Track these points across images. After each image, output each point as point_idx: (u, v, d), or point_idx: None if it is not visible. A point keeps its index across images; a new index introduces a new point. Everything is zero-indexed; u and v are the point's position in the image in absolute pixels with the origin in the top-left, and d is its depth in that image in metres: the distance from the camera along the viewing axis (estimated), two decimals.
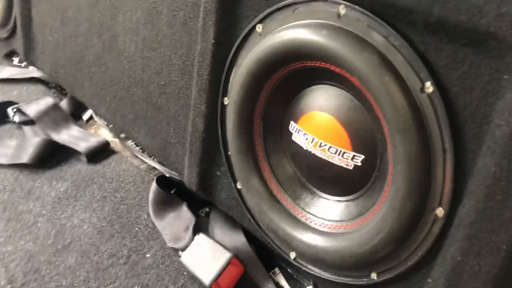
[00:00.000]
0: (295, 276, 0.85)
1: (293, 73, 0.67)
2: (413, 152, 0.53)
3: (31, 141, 1.14)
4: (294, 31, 0.62)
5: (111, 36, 1.00)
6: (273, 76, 0.68)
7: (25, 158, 1.10)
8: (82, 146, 1.14)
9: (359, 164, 0.62)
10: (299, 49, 0.62)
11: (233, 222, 0.89)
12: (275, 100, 0.71)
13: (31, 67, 1.48)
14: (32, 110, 1.23)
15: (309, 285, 0.83)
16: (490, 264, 0.50)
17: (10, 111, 1.25)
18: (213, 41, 0.74)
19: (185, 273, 0.85)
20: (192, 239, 0.87)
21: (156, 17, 0.87)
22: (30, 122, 1.23)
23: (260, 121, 0.74)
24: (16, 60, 1.55)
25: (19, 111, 1.24)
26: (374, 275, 0.63)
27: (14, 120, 1.23)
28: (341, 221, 0.67)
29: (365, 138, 0.61)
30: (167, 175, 1.04)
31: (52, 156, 1.13)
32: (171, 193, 0.99)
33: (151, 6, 0.87)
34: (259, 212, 0.74)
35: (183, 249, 0.87)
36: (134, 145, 1.17)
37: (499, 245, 0.49)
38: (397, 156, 0.54)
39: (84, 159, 1.13)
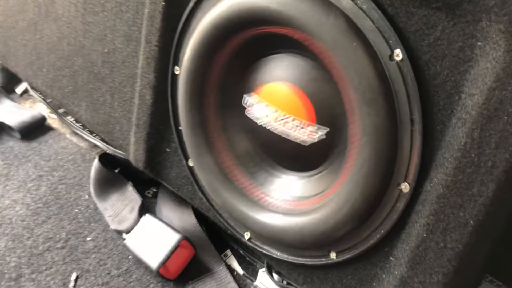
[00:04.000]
0: (247, 258, 0.82)
1: (251, 40, 0.62)
2: (380, 123, 0.50)
3: None
4: None
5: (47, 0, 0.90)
6: (229, 43, 0.63)
7: None
8: (15, 121, 1.04)
9: (323, 137, 0.58)
10: (258, 13, 0.56)
11: (182, 202, 0.84)
12: (231, 69, 0.66)
13: None
14: None
15: (262, 266, 0.80)
16: (456, 240, 0.48)
17: None
18: (163, 3, 0.68)
19: (129, 257, 0.79)
20: (138, 220, 0.81)
21: None
22: None
23: (214, 93, 0.68)
24: None
25: None
26: (333, 255, 0.60)
27: None
28: (300, 198, 0.63)
29: (330, 110, 0.58)
30: (111, 153, 0.96)
31: None
32: (115, 172, 0.92)
33: None
34: (213, 191, 0.69)
35: (127, 232, 0.81)
36: (74, 122, 1.08)
37: (466, 221, 0.47)
38: (363, 128, 0.51)
39: (17, 135, 1.03)
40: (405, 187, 0.52)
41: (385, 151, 0.51)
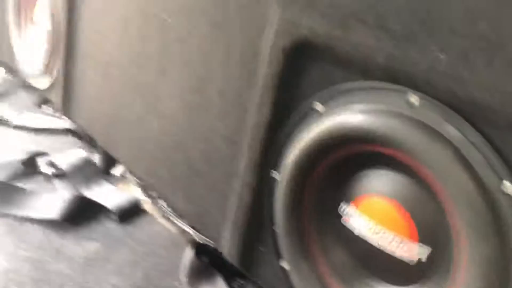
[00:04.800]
0: None
1: (354, 155, 0.65)
2: (490, 255, 0.50)
3: (62, 196, 1.12)
4: (360, 116, 0.60)
5: (154, 98, 1.00)
6: (331, 156, 0.67)
7: (54, 213, 1.07)
8: (113, 204, 1.12)
9: (425, 258, 0.59)
10: (365, 134, 0.60)
11: None
12: (332, 179, 0.69)
13: (63, 117, 1.49)
14: (63, 162, 1.22)
15: None
16: None
17: (41, 162, 1.24)
18: (268, 116, 0.73)
19: None
20: None
21: (206, 85, 0.87)
22: (61, 174, 1.21)
23: (312, 200, 0.71)
24: (47, 109, 1.56)
25: (50, 162, 1.23)
26: None
27: (44, 171, 1.22)
28: None
29: (433, 231, 0.59)
30: (202, 242, 1.01)
31: (82, 212, 1.11)
32: (206, 262, 0.95)
33: (202, 74, 0.87)
34: None
35: None
36: (166, 206, 1.15)
37: None
38: (472, 258, 0.52)
39: (114, 217, 1.10)
40: None
41: (495, 283, 0.51)
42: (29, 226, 1.06)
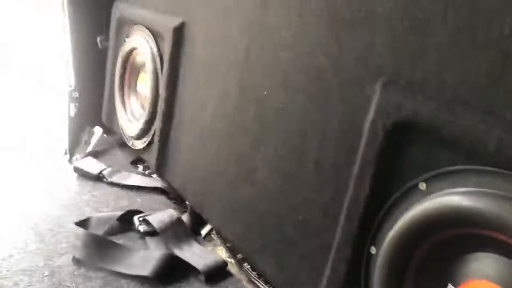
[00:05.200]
0: None
1: (460, 237, 0.65)
2: None
3: (154, 254, 1.18)
4: (469, 198, 0.61)
5: (249, 166, 1.05)
6: (435, 236, 0.67)
7: (147, 270, 1.13)
8: (201, 264, 1.16)
9: None
10: (473, 217, 0.60)
11: None
12: (432, 260, 0.69)
13: (154, 176, 1.59)
14: (156, 221, 1.29)
15: None
16: None
17: (136, 220, 1.31)
18: (368, 191, 0.75)
19: None
20: None
21: (302, 156, 0.91)
22: (153, 232, 1.28)
23: (411, 278, 0.71)
24: (140, 168, 1.67)
25: (144, 221, 1.30)
26: None
27: (138, 229, 1.29)
28: None
29: None
30: None
31: (172, 271, 1.15)
32: None
33: (298, 146, 0.92)
34: None
35: None
36: (250, 269, 1.17)
37: None
38: None
39: (202, 278, 1.14)
40: None
41: None
42: (123, 281, 1.12)
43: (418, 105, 0.69)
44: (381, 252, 0.73)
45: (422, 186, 0.69)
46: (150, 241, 1.26)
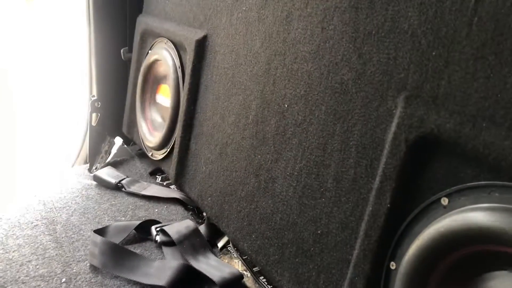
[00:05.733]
0: None
1: (480, 255, 0.64)
2: None
3: (170, 264, 1.18)
4: (491, 215, 0.60)
5: (268, 178, 1.05)
6: (455, 254, 0.66)
7: (163, 280, 1.13)
8: (217, 276, 1.15)
9: None
10: (494, 234, 0.59)
11: None
12: (452, 277, 0.68)
13: (172, 187, 1.60)
14: (174, 231, 1.29)
15: None
16: None
17: (153, 230, 1.32)
18: (388, 206, 0.75)
19: None
20: None
21: (322, 170, 0.91)
22: (170, 243, 1.28)
23: None
24: (159, 179, 1.68)
25: (162, 231, 1.31)
26: None
27: (156, 239, 1.30)
28: None
29: None
30: None
31: (187, 282, 1.15)
32: None
33: (318, 159, 0.92)
34: None
35: None
36: (266, 283, 1.16)
37: None
38: None
39: None
40: None
41: None
42: None
43: (441, 120, 0.68)
44: (401, 267, 0.72)
45: (444, 201, 0.68)
46: (167, 251, 1.27)
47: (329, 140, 0.90)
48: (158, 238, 1.30)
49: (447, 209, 0.68)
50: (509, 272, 0.63)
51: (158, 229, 1.32)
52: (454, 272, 0.67)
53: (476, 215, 0.62)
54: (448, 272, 0.68)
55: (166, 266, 1.18)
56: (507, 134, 0.61)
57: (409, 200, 0.73)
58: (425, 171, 0.72)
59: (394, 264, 0.75)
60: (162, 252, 1.27)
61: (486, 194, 0.63)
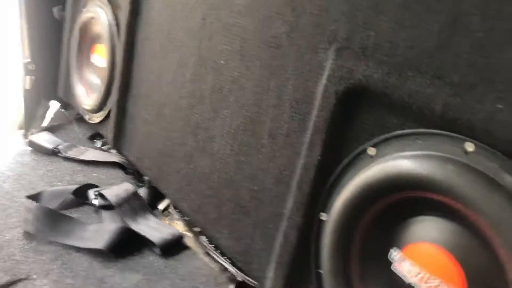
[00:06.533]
0: None
1: (404, 200, 0.66)
2: None
3: (108, 227, 1.15)
4: (414, 162, 0.61)
5: (206, 137, 1.03)
6: (381, 200, 0.67)
7: (100, 243, 1.10)
8: (156, 237, 1.14)
9: None
10: (418, 180, 0.61)
11: None
12: (379, 224, 0.70)
13: (112, 151, 1.55)
14: (112, 195, 1.26)
15: None
16: None
17: (91, 193, 1.28)
18: (319, 158, 0.75)
19: None
20: None
21: (258, 126, 0.90)
22: (109, 206, 1.25)
23: (359, 243, 0.71)
24: (99, 143, 1.63)
25: (100, 194, 1.27)
26: None
27: (93, 203, 1.26)
28: None
29: (484, 282, 0.58)
30: (240, 279, 1.01)
31: (126, 244, 1.13)
32: None
33: (253, 116, 0.91)
34: None
35: None
36: (208, 242, 1.16)
37: None
38: None
39: (157, 251, 1.12)
40: None
41: None
42: (75, 255, 1.09)
43: (369, 70, 0.69)
44: (330, 218, 0.73)
45: (371, 151, 0.69)
46: (105, 215, 1.23)
47: (264, 96, 0.89)
48: (95, 202, 1.26)
49: (373, 159, 0.69)
50: (434, 217, 0.65)
51: (96, 193, 1.28)
52: (380, 220, 0.69)
53: (400, 163, 0.63)
54: (374, 220, 0.69)
55: (103, 229, 1.15)
56: (431, 83, 0.61)
57: (339, 152, 0.74)
58: (354, 122, 0.72)
59: (324, 215, 0.76)
60: (101, 216, 1.24)
61: (411, 142, 0.65)
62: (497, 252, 0.55)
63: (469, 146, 0.58)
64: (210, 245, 1.15)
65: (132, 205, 1.24)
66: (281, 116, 0.85)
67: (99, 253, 1.09)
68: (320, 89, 0.75)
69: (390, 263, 0.68)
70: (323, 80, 0.75)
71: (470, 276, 0.59)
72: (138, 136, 1.30)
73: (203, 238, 1.17)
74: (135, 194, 1.27)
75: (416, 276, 0.64)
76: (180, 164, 1.12)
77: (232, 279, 1.03)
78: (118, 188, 1.29)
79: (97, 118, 1.51)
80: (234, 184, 0.96)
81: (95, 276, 1.03)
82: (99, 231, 1.14)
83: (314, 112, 0.76)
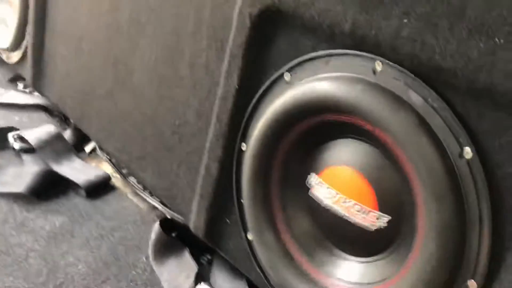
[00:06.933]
0: None
1: (319, 125, 0.65)
2: (448, 220, 0.51)
3: (29, 170, 1.10)
4: (326, 84, 0.60)
5: (126, 72, 0.98)
6: (297, 126, 0.66)
7: (21, 187, 1.05)
8: (81, 179, 1.10)
9: (385, 225, 0.59)
10: (330, 103, 0.60)
11: (237, 273, 0.85)
12: (297, 150, 0.69)
13: (35, 94, 1.46)
14: (33, 137, 1.19)
15: None
16: None
17: (10, 137, 1.21)
18: (236, 86, 0.73)
19: None
20: None
21: (176, 57, 0.86)
22: (30, 150, 1.19)
23: (278, 170, 0.71)
24: (20, 86, 1.53)
25: (19, 137, 1.20)
26: None
27: (13, 146, 1.19)
28: (360, 284, 0.63)
29: (393, 198, 0.59)
30: (169, 217, 1.00)
31: (50, 187, 1.09)
32: (173, 237, 0.95)
33: (172, 46, 0.86)
34: (271, 268, 0.70)
35: None
36: (136, 182, 1.13)
37: None
38: (430, 223, 0.52)
39: (83, 193, 1.08)
40: (472, 285, 0.51)
41: (452, 248, 0.51)
42: None
43: None
44: (249, 147, 0.71)
45: (287, 76, 0.67)
46: (27, 159, 1.17)
47: (182, 24, 0.84)
48: (16, 145, 1.19)
49: (289, 84, 0.67)
50: (348, 140, 0.64)
51: (15, 136, 1.21)
52: (299, 146, 0.68)
53: (313, 86, 0.62)
54: (293, 146, 0.68)
55: (24, 172, 1.09)
56: (340, 0, 0.59)
57: (256, 79, 0.71)
58: (270, 47, 0.69)
59: (244, 145, 0.74)
60: (22, 160, 1.17)
61: (324, 64, 0.63)
62: (405, 169, 0.55)
63: (378, 65, 0.57)
64: (138, 185, 1.12)
65: (55, 148, 1.18)
66: (200, 44, 0.81)
67: (19, 197, 1.04)
68: (235, 13, 0.71)
69: (308, 188, 0.68)
70: (238, 2, 0.71)
71: (380, 195, 0.60)
72: (58, 75, 1.22)
73: (131, 179, 1.14)
74: (58, 136, 1.21)
75: (332, 198, 0.64)
76: (102, 102, 1.06)
77: (160, 216, 1.02)
78: (40, 130, 1.22)
79: (14, 57, 1.40)
80: (156, 120, 0.92)
81: (16, 220, 0.99)
82: (20, 175, 1.09)
83: (231, 38, 0.72)
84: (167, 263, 0.89)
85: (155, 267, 0.89)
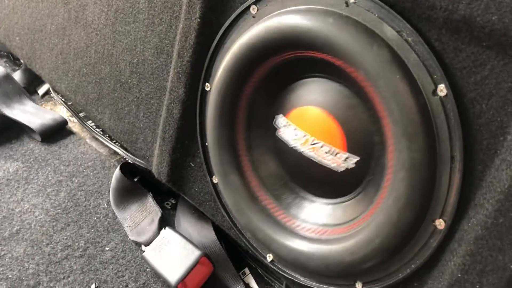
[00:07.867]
0: (265, 278, 0.81)
1: (287, 62, 0.61)
2: (418, 158, 0.49)
3: None
4: (294, 17, 0.56)
5: (78, 5, 0.90)
6: (265, 64, 0.62)
7: None
8: (36, 123, 1.04)
9: (353, 166, 0.58)
10: (299, 37, 0.56)
11: (202, 217, 0.83)
12: (264, 90, 0.65)
13: None
14: None
15: (280, 287, 0.79)
16: (493, 284, 0.47)
17: None
18: (198, 20, 0.67)
19: (147, 270, 0.78)
20: (157, 233, 0.81)
21: None
22: None
23: (244, 111, 0.67)
24: None
25: None
26: (359, 285, 0.59)
27: None
28: (327, 225, 0.62)
29: (362, 139, 0.57)
30: (131, 162, 0.96)
31: (1, 132, 1.02)
32: (135, 181, 0.91)
33: None
34: (237, 210, 0.68)
35: (146, 244, 0.80)
36: (94, 127, 1.08)
37: (505, 265, 0.46)
38: (400, 162, 0.50)
39: (37, 137, 1.03)
40: (440, 224, 0.51)
41: (422, 187, 0.50)
42: None
43: None
44: (213, 87, 0.67)
45: (253, 9, 0.63)
46: None
47: None
48: None
49: (256, 18, 0.62)
50: (317, 79, 0.61)
51: None
52: (266, 85, 0.65)
53: (281, 20, 0.57)
54: (260, 85, 0.65)
55: None
56: None
57: (220, 13, 0.66)
58: None
59: (208, 85, 0.70)
60: None
61: None
62: (376, 108, 0.53)
63: None
64: (97, 130, 1.07)
65: (5, 90, 1.11)
66: None
67: None
68: None
69: (275, 130, 0.65)
70: None
71: (349, 135, 0.58)
72: (3, 11, 1.12)
73: (90, 123, 1.09)
74: (7, 78, 1.13)
75: (299, 140, 0.62)
76: (53, 40, 0.99)
77: (120, 160, 0.98)
78: None
79: None
80: (112, 58, 0.86)
81: None
82: None
83: None
84: (130, 209, 0.86)
85: (117, 213, 0.86)
